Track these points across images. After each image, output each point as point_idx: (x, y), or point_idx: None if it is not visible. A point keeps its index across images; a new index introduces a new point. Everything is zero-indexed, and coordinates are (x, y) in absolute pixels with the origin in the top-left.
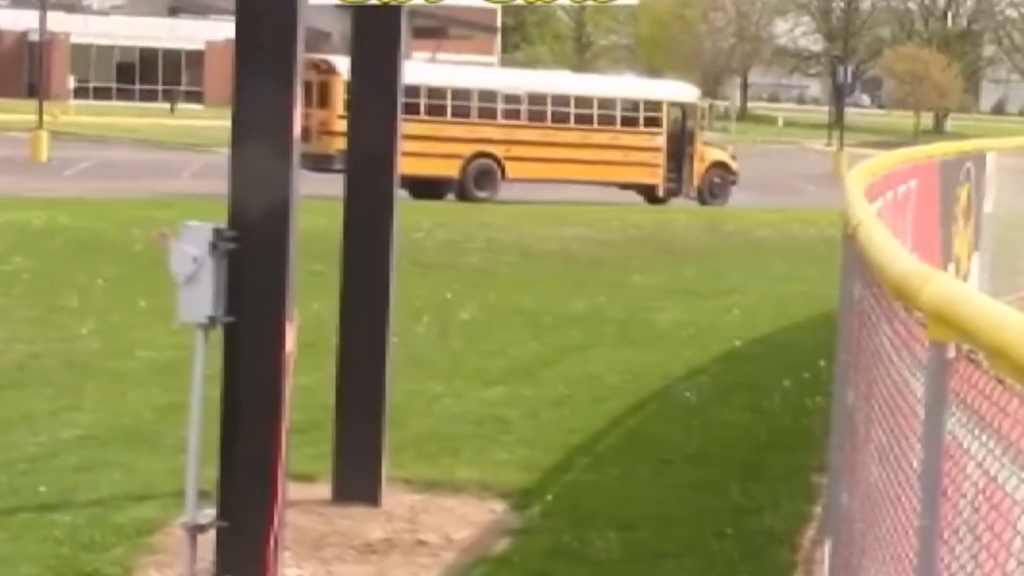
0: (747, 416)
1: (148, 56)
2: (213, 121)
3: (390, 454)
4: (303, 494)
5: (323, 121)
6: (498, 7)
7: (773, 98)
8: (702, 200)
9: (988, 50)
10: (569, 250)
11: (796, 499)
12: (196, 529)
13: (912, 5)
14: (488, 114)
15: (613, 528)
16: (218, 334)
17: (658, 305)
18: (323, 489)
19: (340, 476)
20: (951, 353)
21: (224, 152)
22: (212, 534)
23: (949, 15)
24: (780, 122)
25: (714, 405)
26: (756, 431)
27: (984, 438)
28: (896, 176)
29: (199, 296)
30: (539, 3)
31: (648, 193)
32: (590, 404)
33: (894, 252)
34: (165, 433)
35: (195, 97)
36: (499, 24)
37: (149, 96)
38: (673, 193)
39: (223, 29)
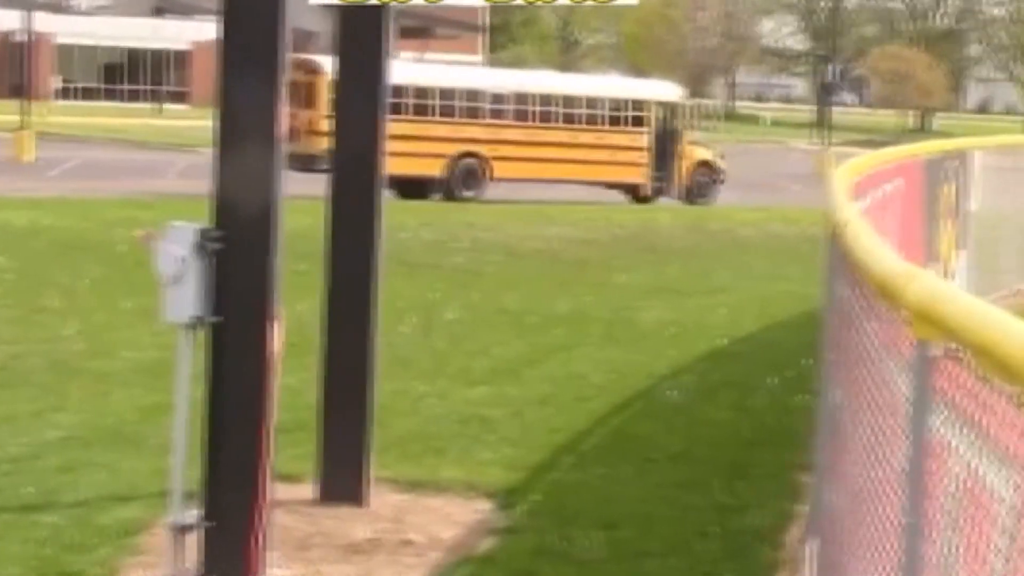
0: (732, 415)
1: (134, 56)
2: (199, 121)
3: (375, 454)
4: (288, 494)
5: (309, 121)
6: (488, 6)
7: (759, 97)
8: (688, 199)
9: (973, 49)
10: (554, 249)
11: (781, 497)
12: (181, 529)
13: (897, 4)
14: (474, 114)
15: (598, 527)
16: (203, 334)
17: (643, 304)
18: (308, 489)
19: (325, 476)
20: (936, 351)
21: (209, 152)
22: (197, 534)
23: (934, 14)
24: (767, 121)
25: (699, 404)
26: (741, 430)
27: (969, 436)
28: (881, 175)
29: (184, 296)
30: (539, 3)
31: (634, 192)
32: (575, 403)
33: (879, 251)
34: (149, 433)
35: (181, 97)
36: (485, 24)
37: (135, 96)
38: (659, 192)
39: (208, 29)
